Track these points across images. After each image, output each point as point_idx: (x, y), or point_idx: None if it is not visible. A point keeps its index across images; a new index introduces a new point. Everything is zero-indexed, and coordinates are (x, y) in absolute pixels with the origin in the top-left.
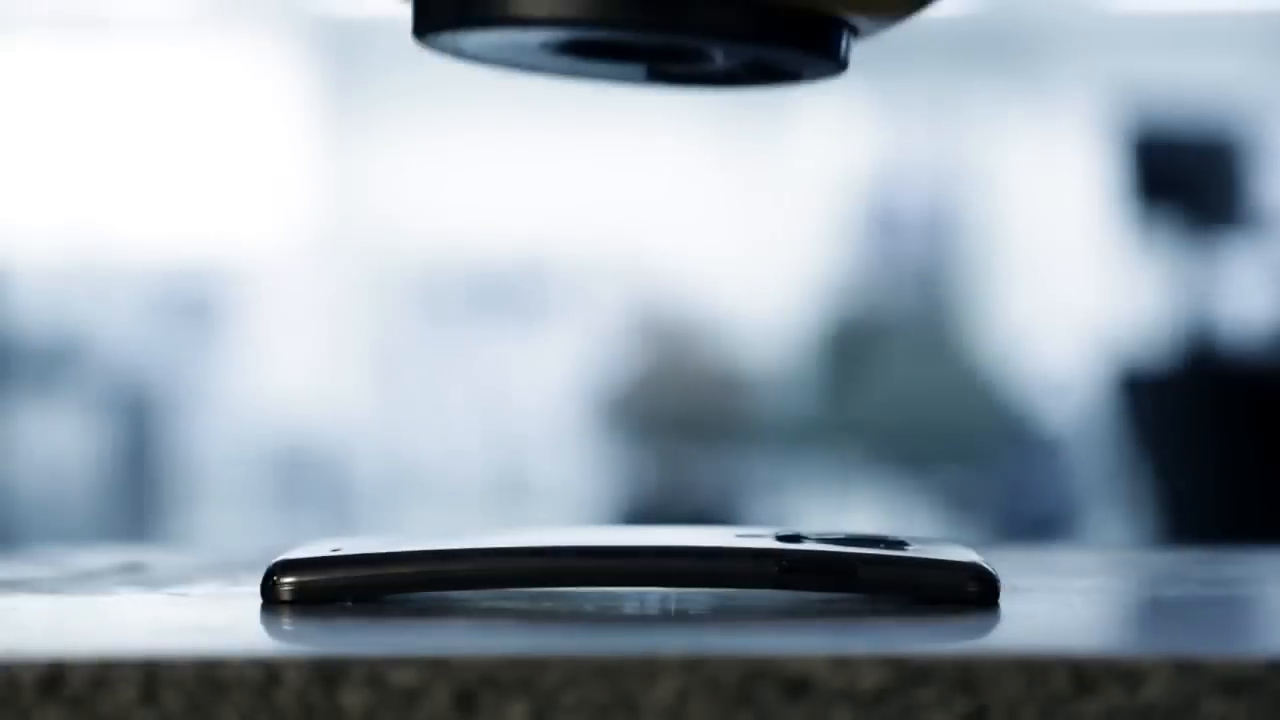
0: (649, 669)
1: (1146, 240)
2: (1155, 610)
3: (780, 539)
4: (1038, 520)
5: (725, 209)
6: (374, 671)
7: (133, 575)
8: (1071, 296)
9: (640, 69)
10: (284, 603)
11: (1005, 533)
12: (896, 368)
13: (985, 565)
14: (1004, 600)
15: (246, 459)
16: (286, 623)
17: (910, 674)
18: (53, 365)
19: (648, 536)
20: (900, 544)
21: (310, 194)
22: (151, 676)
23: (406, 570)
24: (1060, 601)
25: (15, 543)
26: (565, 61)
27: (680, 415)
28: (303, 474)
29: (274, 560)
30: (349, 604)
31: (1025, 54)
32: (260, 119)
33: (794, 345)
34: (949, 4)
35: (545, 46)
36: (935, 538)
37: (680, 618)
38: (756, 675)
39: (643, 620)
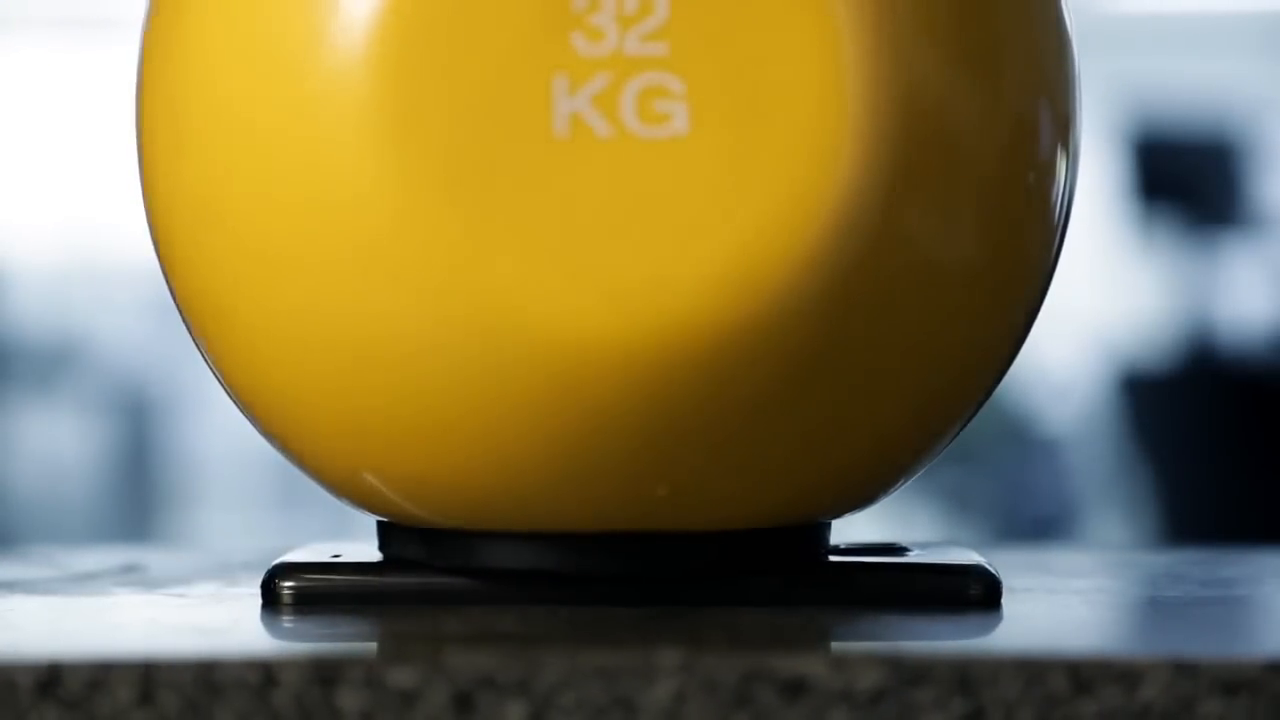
0: (647, 670)
1: (1146, 240)
2: (1153, 611)
3: None
4: (1038, 520)
5: None
6: (371, 672)
7: (131, 576)
8: (1071, 297)
9: None
10: (283, 605)
11: (1005, 533)
12: None
13: (988, 567)
14: (1002, 600)
15: (246, 459)
16: (284, 624)
17: (907, 675)
18: (53, 365)
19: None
20: (902, 550)
21: None
22: (149, 678)
23: (408, 579)
24: (1058, 602)
25: (14, 543)
26: None
27: None
28: (303, 475)
29: (274, 564)
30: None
31: None
32: None
33: None
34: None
35: None
36: (936, 541)
37: (677, 619)
38: (754, 676)
39: (641, 622)
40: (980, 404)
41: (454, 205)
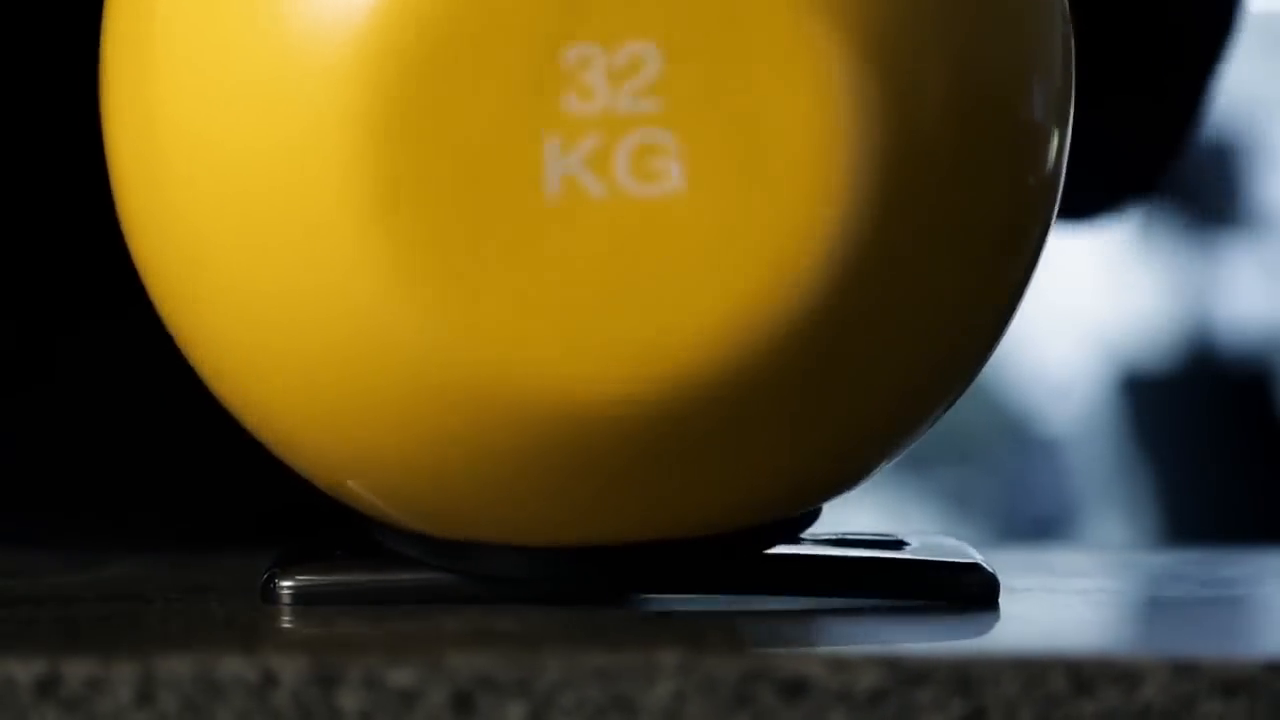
0: (647, 670)
1: (1146, 240)
2: (1153, 611)
3: None
4: (1038, 520)
5: None
6: (371, 672)
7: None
8: (1071, 296)
9: None
10: (283, 604)
11: (1005, 533)
12: None
13: (985, 565)
14: (1002, 601)
15: None
16: (283, 623)
17: (907, 675)
18: None
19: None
20: (899, 544)
21: None
22: (149, 678)
23: (408, 577)
24: (1058, 602)
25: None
26: None
27: None
28: None
29: (272, 562)
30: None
31: None
32: None
33: None
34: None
35: None
36: (934, 537)
37: (677, 619)
38: (754, 676)
39: (640, 621)
40: (948, 408)
41: (446, 272)
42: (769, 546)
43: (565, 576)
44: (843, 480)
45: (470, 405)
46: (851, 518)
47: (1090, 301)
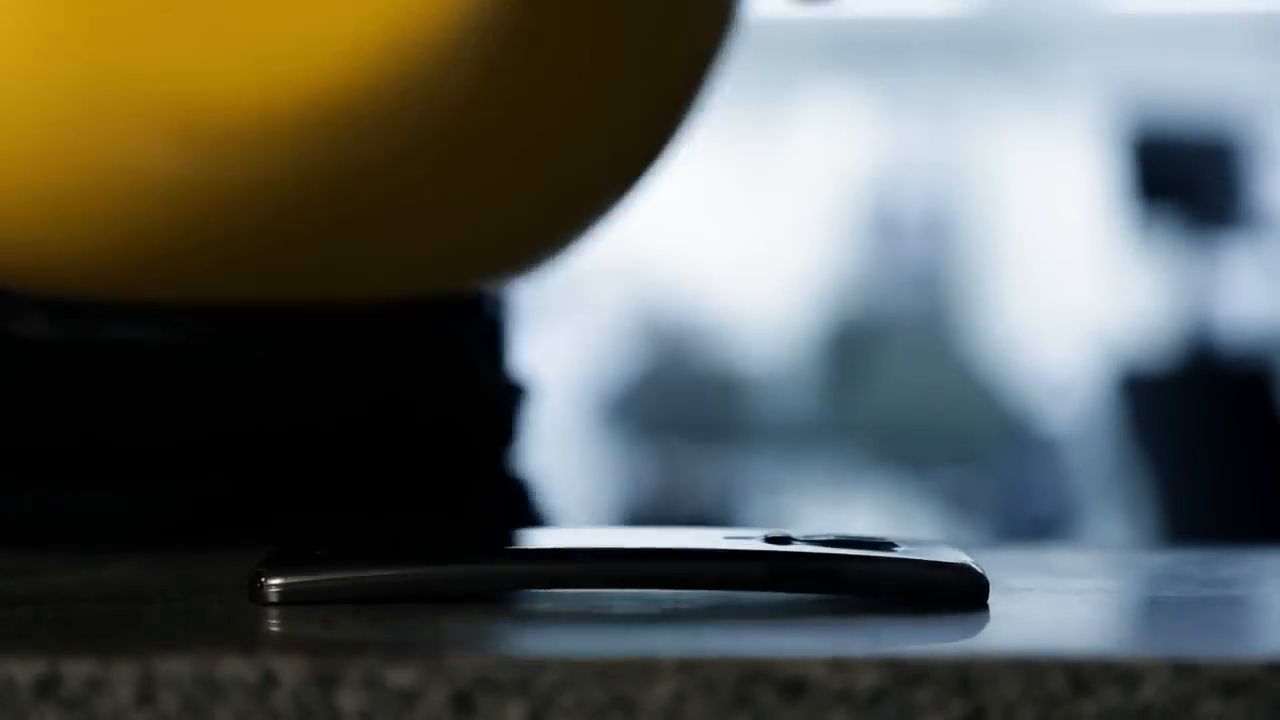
0: (646, 670)
1: (1146, 240)
2: (1153, 611)
3: (769, 540)
4: (1038, 520)
5: (725, 209)
6: (371, 673)
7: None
8: (1071, 296)
9: None
10: (273, 604)
11: (1005, 533)
12: (896, 368)
13: (974, 565)
14: (1001, 601)
15: None
16: (283, 624)
17: (907, 675)
18: None
19: (632, 539)
20: (889, 545)
21: None
22: (148, 678)
23: (395, 573)
24: (1057, 602)
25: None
26: None
27: (680, 415)
28: None
29: (259, 562)
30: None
31: (1024, 54)
32: None
33: (794, 345)
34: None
35: None
36: (927, 539)
37: (677, 619)
38: (753, 677)
39: (640, 622)
40: (638, 181)
41: None
42: (432, 320)
43: (212, 341)
44: (511, 258)
45: (94, 115)
46: (852, 519)
47: (1090, 301)
